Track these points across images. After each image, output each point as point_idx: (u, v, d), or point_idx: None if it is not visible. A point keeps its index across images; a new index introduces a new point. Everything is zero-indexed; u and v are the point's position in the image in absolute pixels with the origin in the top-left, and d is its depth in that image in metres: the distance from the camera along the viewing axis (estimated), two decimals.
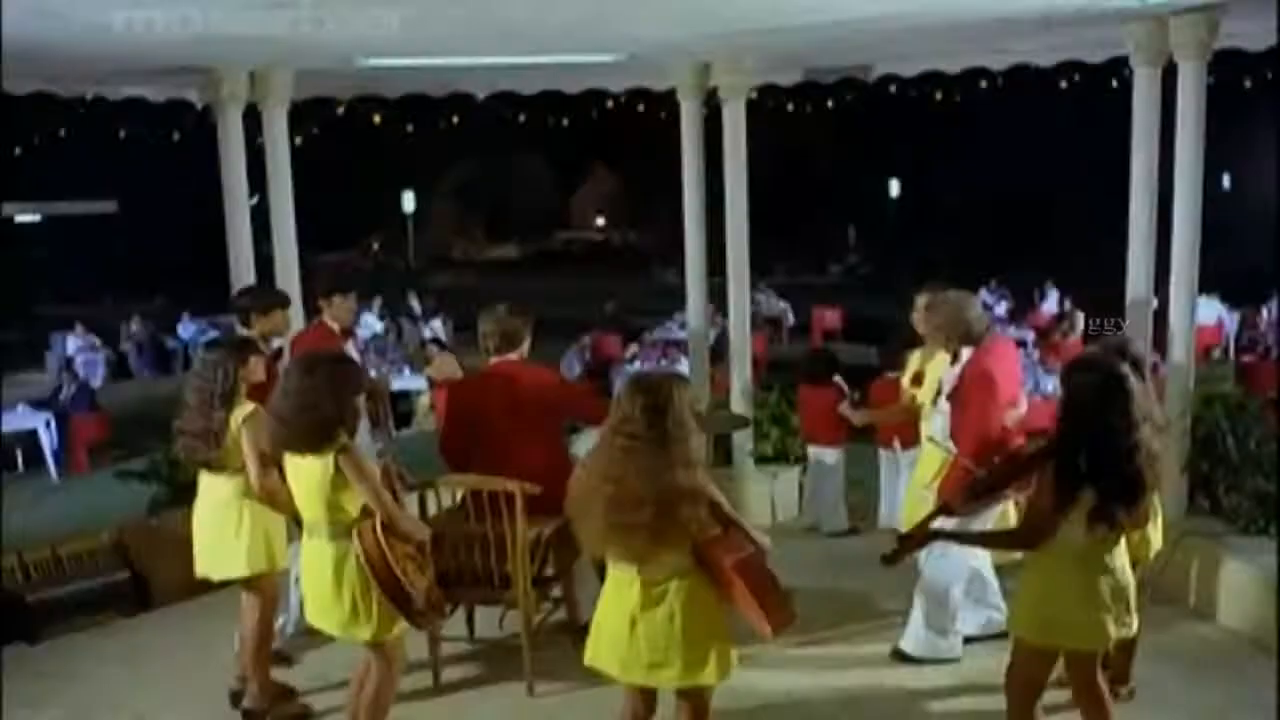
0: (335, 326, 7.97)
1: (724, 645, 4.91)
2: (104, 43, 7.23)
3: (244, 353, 6.44)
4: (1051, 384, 8.14)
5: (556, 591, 7.17)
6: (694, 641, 4.82)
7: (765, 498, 9.85)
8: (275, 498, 6.04)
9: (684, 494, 4.67)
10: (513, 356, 7.11)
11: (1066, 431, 4.89)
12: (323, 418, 5.23)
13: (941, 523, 5.59)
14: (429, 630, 6.56)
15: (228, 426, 6.21)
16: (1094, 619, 4.92)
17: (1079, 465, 4.76)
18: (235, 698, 6.56)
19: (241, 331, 7.51)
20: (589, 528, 4.86)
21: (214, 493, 6.38)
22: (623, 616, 4.86)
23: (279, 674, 6.74)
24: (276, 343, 7.55)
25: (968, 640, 7.06)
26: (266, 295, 7.75)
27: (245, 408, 6.20)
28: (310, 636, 6.50)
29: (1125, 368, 4.94)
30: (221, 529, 6.33)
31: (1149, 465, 4.82)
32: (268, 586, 6.48)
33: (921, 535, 5.54)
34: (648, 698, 5.15)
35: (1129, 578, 5.05)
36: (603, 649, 5.01)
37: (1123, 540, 5.00)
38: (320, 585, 5.45)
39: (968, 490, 5.57)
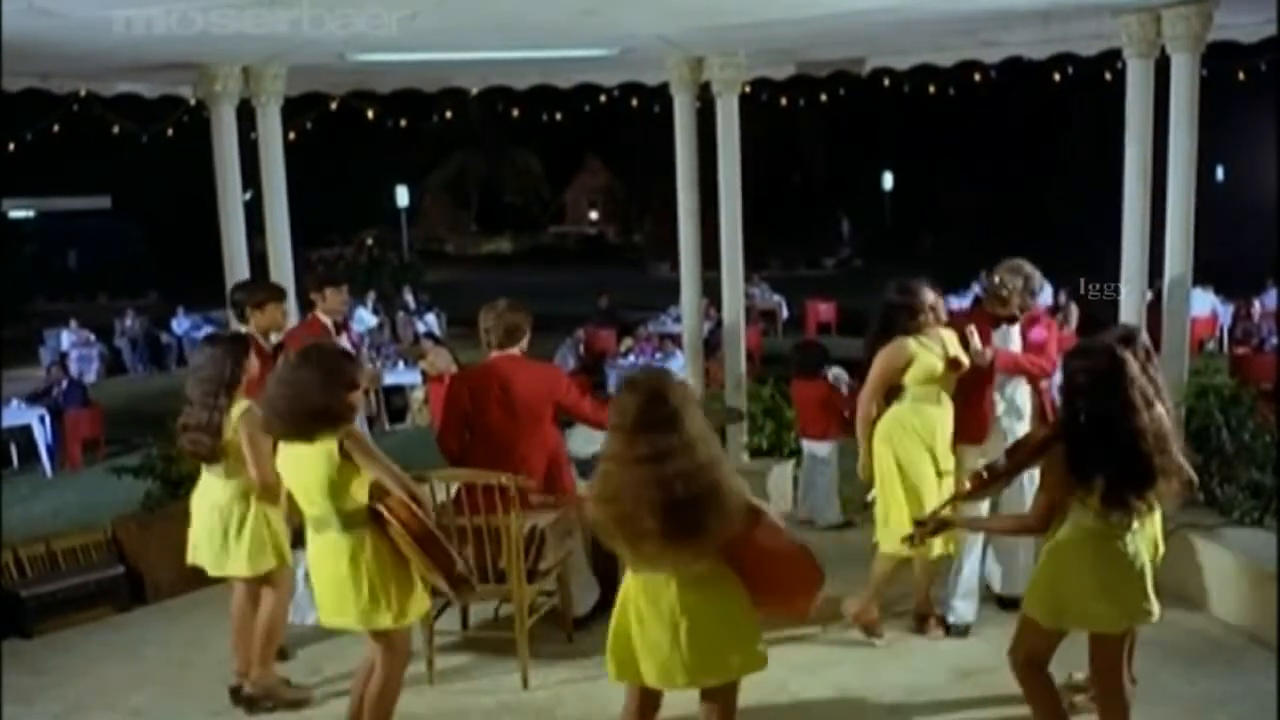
0: (328, 321, 7.98)
1: (759, 634, 4.83)
2: (100, 39, 7.23)
3: (242, 346, 6.43)
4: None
5: (550, 584, 7.17)
6: (741, 635, 4.75)
7: (760, 492, 9.82)
8: (275, 491, 6.06)
9: (718, 489, 4.55)
10: (514, 351, 7.12)
11: (1071, 417, 4.89)
12: (314, 408, 5.23)
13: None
14: (425, 622, 6.57)
15: (228, 418, 6.21)
16: (1105, 603, 4.93)
17: (1089, 450, 4.76)
18: (235, 693, 6.55)
19: (238, 327, 7.51)
20: (639, 549, 4.62)
21: (213, 494, 6.37)
22: (662, 623, 4.67)
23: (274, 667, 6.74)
24: (275, 338, 7.54)
25: (961, 631, 7.11)
26: (260, 289, 7.74)
27: (240, 404, 6.19)
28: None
29: (1124, 351, 4.93)
30: (220, 530, 6.32)
31: (1160, 450, 4.80)
32: (281, 580, 6.48)
33: (937, 522, 5.59)
34: (653, 695, 5.00)
35: (1144, 562, 5.04)
36: (634, 659, 4.79)
37: (1135, 524, 4.98)
38: (336, 578, 5.42)
39: (980, 478, 5.58)
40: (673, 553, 4.58)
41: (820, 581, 4.88)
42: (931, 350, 6.91)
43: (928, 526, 5.62)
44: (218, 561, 6.42)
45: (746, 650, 4.78)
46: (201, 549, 6.48)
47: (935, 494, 6.75)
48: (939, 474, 6.88)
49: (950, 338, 6.99)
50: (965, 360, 6.95)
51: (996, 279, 7.25)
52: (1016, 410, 7.23)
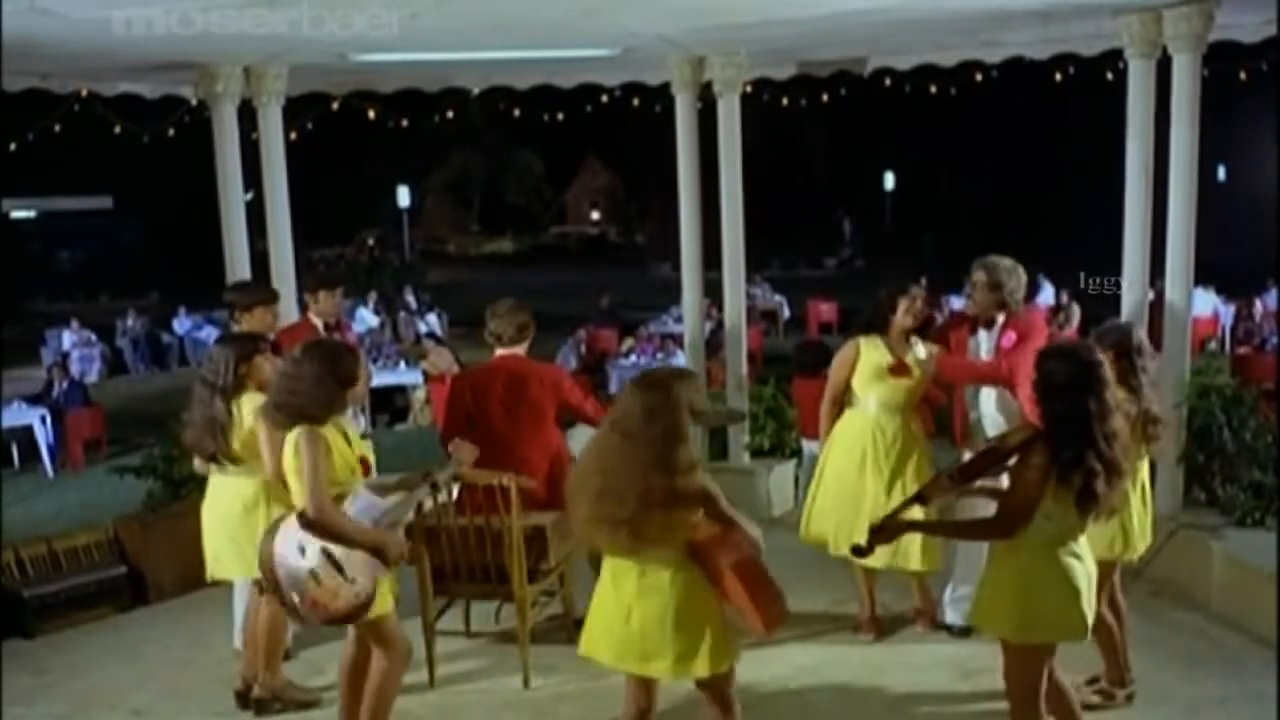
0: (319, 322, 7.98)
1: (720, 637, 4.86)
2: (100, 39, 7.23)
3: (248, 347, 6.43)
4: None
5: (551, 584, 7.17)
6: (686, 633, 4.80)
7: (761, 491, 9.85)
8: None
9: (673, 496, 4.64)
10: (518, 350, 7.14)
11: (1051, 414, 4.80)
12: (301, 404, 5.25)
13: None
14: (426, 621, 6.58)
15: (230, 418, 6.21)
16: (1075, 611, 4.86)
17: (1072, 447, 4.68)
18: (241, 696, 6.52)
19: (235, 326, 7.51)
20: (577, 515, 4.90)
21: (233, 493, 6.32)
22: (620, 605, 4.86)
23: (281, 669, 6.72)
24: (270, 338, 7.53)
25: (963, 631, 7.10)
26: (250, 293, 7.72)
27: (256, 399, 6.14)
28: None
29: (1099, 354, 4.91)
30: (247, 531, 6.19)
31: (1125, 454, 4.80)
32: None
33: (894, 526, 5.33)
34: (648, 689, 5.10)
35: (1094, 567, 5.02)
36: (597, 638, 5.01)
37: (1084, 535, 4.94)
38: None
39: (944, 479, 5.52)
40: (599, 537, 4.82)
41: (777, 603, 4.90)
42: (878, 352, 6.94)
43: (883, 534, 5.29)
44: (246, 565, 6.16)
45: (692, 651, 4.83)
46: (224, 557, 6.41)
47: (852, 502, 6.81)
48: (861, 482, 6.86)
49: (919, 346, 6.95)
50: (913, 367, 6.90)
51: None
52: (990, 416, 7.00)
